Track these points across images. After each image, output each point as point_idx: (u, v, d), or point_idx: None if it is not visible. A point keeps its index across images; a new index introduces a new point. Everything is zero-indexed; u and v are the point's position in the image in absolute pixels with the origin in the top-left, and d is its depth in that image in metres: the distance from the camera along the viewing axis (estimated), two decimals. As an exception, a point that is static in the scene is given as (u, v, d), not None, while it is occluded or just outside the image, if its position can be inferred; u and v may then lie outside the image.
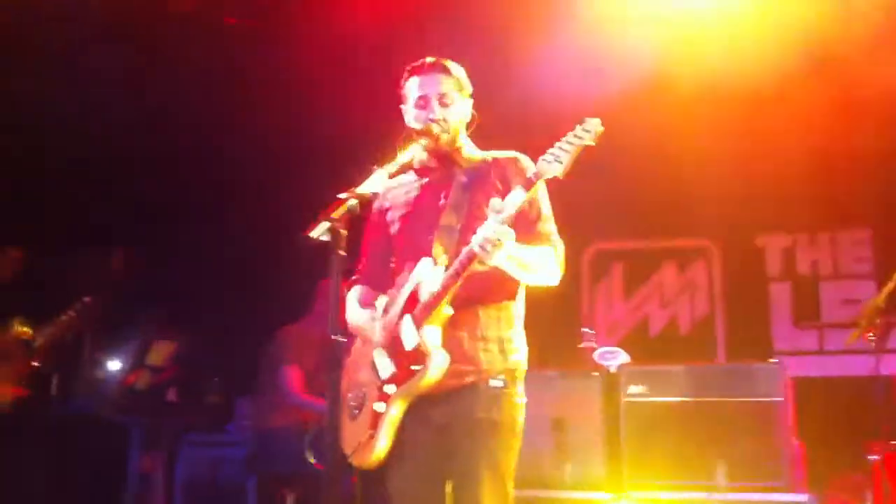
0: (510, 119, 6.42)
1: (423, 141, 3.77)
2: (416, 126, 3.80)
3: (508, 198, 3.47)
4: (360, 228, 3.99)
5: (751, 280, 8.29)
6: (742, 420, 5.80)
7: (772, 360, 6.33)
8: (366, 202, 3.51)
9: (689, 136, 7.54)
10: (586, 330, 6.80)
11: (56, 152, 7.58)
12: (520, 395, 3.74)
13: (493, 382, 3.67)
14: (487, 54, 6.55)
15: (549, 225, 3.81)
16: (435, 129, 3.77)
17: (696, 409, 5.91)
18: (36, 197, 7.67)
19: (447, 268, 3.62)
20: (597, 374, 6.22)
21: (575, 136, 3.43)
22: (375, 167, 3.54)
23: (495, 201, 3.47)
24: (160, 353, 7.71)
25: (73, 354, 7.27)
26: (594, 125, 3.44)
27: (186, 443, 7.50)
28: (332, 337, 3.25)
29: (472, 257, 3.50)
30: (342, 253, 3.23)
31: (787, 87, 7.30)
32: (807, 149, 7.47)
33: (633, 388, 6.08)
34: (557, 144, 3.44)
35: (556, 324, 7.30)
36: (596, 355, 6.65)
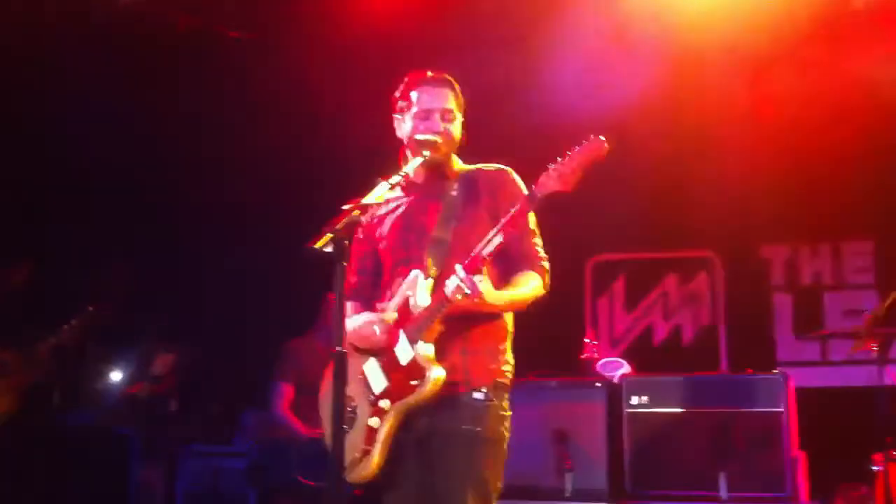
0: (508, 132, 6.47)
1: (425, 153, 3.74)
2: (419, 138, 3.76)
3: (490, 235, 3.50)
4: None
5: (753, 290, 8.28)
6: (744, 430, 5.80)
7: (774, 371, 6.34)
8: (369, 213, 3.49)
9: (692, 147, 7.56)
10: (588, 340, 6.80)
11: (60, 165, 7.60)
12: (505, 409, 3.71)
13: (475, 395, 3.64)
14: (491, 67, 6.58)
15: (535, 239, 3.81)
16: (439, 142, 3.75)
17: (698, 420, 5.92)
18: (42, 209, 7.69)
19: (436, 284, 3.62)
20: (599, 384, 6.22)
21: (579, 152, 3.43)
22: (378, 179, 3.53)
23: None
24: (161, 363, 7.71)
25: (75, 364, 7.27)
26: (599, 143, 3.43)
27: (188, 454, 7.48)
28: (335, 349, 3.25)
29: (448, 303, 3.51)
30: (346, 265, 3.22)
31: (789, 97, 7.31)
32: (809, 158, 7.47)
33: (634, 399, 6.09)
34: (560, 161, 3.44)
35: (558, 334, 7.30)
36: (598, 366, 6.66)
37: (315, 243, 3.21)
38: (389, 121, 3.98)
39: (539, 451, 5.89)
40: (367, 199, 3.43)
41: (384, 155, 3.86)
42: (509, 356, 3.79)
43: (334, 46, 7.31)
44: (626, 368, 6.62)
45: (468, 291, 3.43)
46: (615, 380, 6.28)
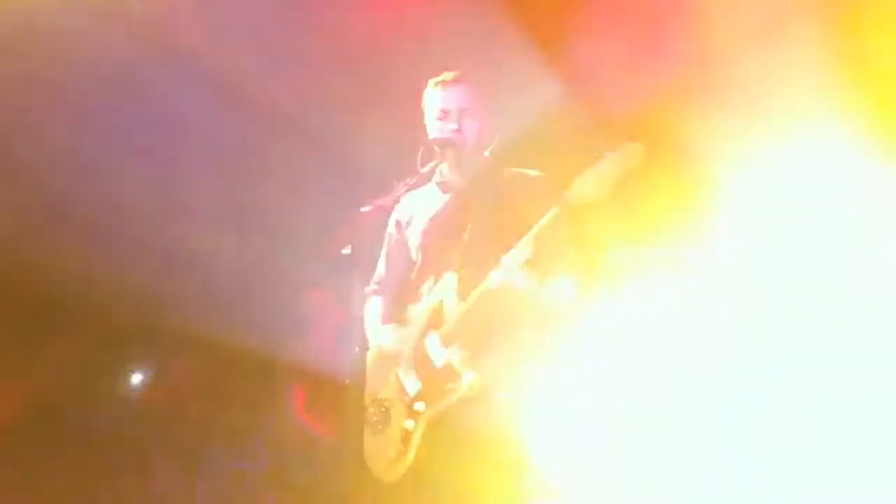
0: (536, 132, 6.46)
1: (447, 154, 3.75)
2: (433, 137, 3.80)
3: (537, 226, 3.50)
4: (381, 242, 4.01)
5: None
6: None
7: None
8: (388, 216, 3.50)
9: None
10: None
11: (80, 167, 7.64)
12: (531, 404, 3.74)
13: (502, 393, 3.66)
14: (508, 66, 6.56)
15: (567, 244, 3.80)
16: (456, 141, 3.77)
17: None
18: (60, 212, 7.72)
19: (469, 287, 3.62)
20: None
21: (614, 159, 3.43)
22: (398, 182, 3.54)
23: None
24: (180, 367, 7.74)
25: (94, 367, 7.31)
26: (634, 150, 3.43)
27: (207, 458, 7.49)
28: (353, 351, 3.27)
29: (497, 286, 3.51)
30: (365, 267, 3.24)
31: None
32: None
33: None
34: (595, 167, 3.44)
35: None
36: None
37: (335, 245, 3.22)
38: (409, 123, 3.98)
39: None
40: (385, 202, 3.45)
41: (404, 157, 3.85)
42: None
43: (351, 45, 7.32)
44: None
45: (518, 283, 3.44)
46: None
